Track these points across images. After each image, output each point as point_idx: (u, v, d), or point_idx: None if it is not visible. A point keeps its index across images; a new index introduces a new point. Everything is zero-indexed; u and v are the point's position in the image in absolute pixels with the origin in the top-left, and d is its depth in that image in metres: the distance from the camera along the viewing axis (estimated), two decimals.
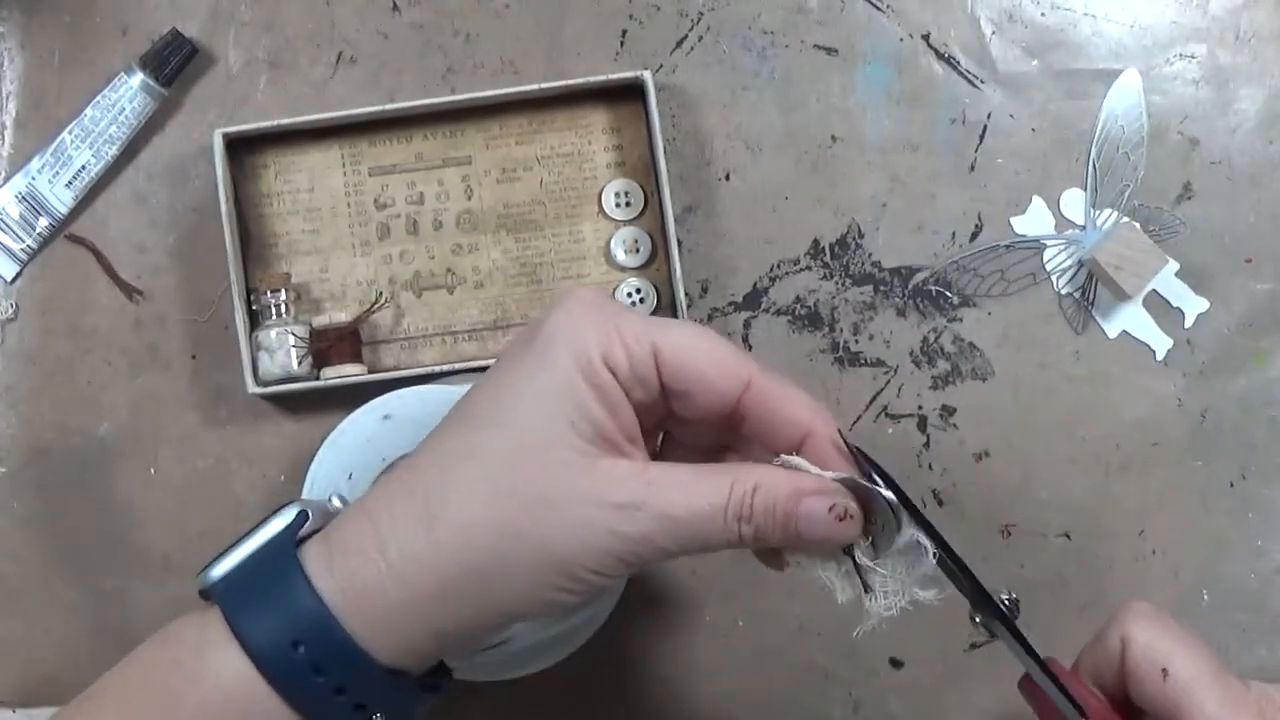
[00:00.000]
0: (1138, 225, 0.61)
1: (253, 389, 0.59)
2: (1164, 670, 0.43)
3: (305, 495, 0.58)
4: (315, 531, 0.42)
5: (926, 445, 0.61)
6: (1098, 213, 0.61)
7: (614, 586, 0.60)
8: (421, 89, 0.62)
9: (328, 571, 0.40)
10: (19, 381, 0.62)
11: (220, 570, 0.41)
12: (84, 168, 0.61)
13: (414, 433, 0.57)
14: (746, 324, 0.62)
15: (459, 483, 0.40)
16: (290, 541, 0.41)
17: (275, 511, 0.43)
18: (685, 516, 0.40)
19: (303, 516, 0.42)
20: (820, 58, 0.62)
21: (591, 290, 0.42)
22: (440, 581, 0.40)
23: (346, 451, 0.57)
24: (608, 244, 0.62)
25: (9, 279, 0.62)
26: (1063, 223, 0.62)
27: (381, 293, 0.61)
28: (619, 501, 0.40)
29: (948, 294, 0.61)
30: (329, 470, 0.58)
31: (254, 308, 0.60)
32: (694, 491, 0.40)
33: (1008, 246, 0.61)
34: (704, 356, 0.41)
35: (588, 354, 0.40)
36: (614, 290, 0.61)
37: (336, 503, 0.45)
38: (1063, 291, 0.61)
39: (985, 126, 0.62)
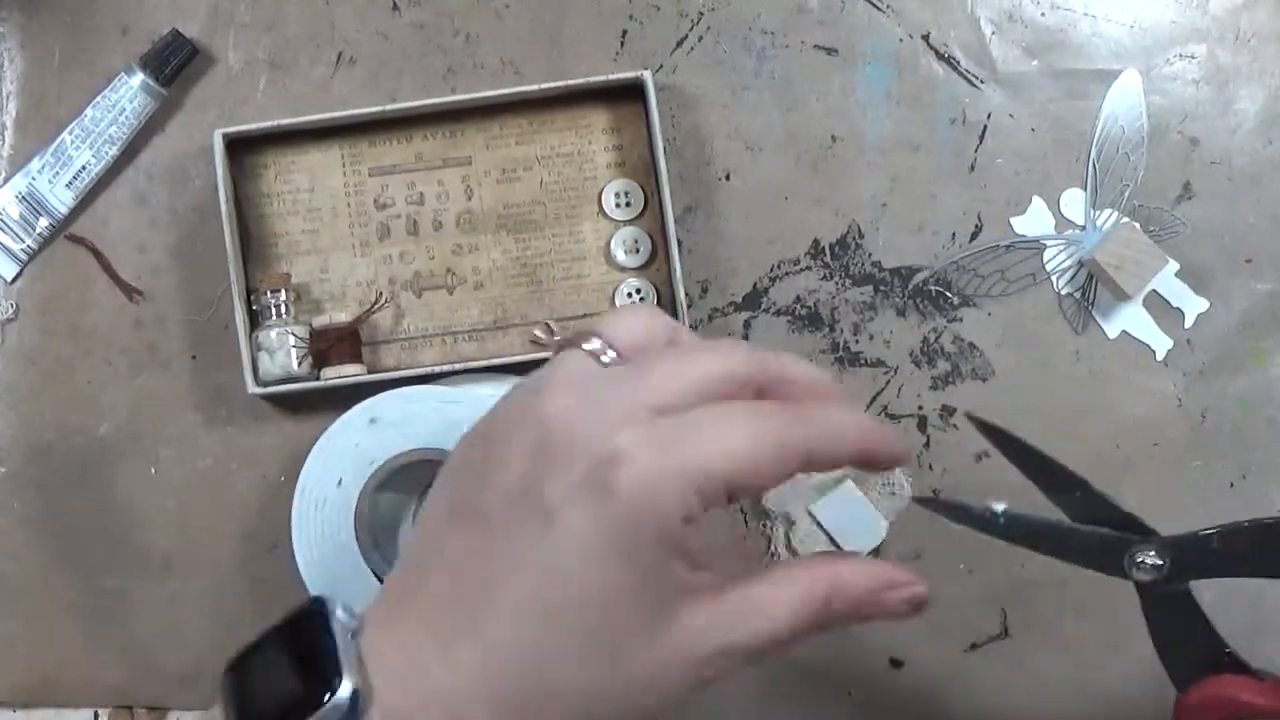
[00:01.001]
0: (1138, 225, 0.61)
1: (253, 389, 0.59)
2: None
3: (297, 500, 0.58)
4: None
5: (927, 445, 0.61)
6: (1098, 213, 0.61)
7: None
8: (422, 89, 0.62)
9: None
10: (19, 381, 0.62)
11: None
12: (84, 168, 0.61)
13: (400, 435, 0.57)
14: (746, 324, 0.62)
15: (552, 689, 0.38)
16: None
17: (313, 667, 0.38)
18: (768, 640, 0.39)
19: (357, 696, 0.37)
20: (820, 58, 0.62)
21: (649, 426, 0.38)
22: None
23: (334, 457, 0.57)
24: (608, 244, 0.62)
25: (9, 279, 0.62)
26: (1063, 223, 0.62)
27: (381, 293, 0.61)
28: (707, 654, 0.38)
29: (948, 294, 0.61)
30: (318, 476, 0.58)
31: (254, 308, 0.60)
32: (775, 618, 0.39)
33: (1008, 247, 0.61)
34: (767, 470, 0.39)
35: (672, 530, 0.37)
36: (614, 290, 0.61)
37: (342, 615, 0.39)
38: (1063, 291, 0.61)
39: (985, 126, 0.62)
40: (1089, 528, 0.48)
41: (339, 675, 0.37)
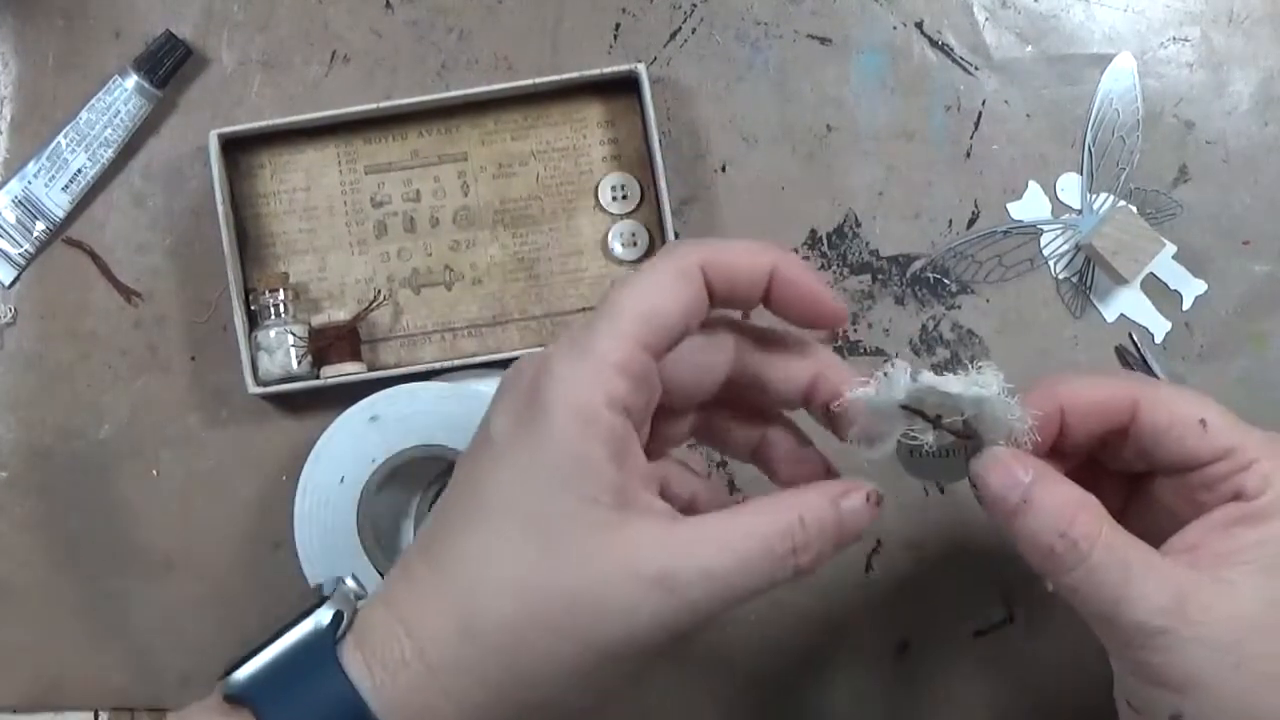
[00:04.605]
0: (1134, 209, 0.61)
1: (253, 389, 0.59)
2: (1202, 421, 0.42)
3: (298, 499, 0.58)
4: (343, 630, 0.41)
5: None
6: (1094, 197, 0.61)
7: None
8: (416, 86, 0.62)
9: (369, 682, 0.38)
10: (19, 386, 0.62)
11: (248, 672, 0.40)
12: (80, 171, 0.61)
13: (401, 432, 0.57)
14: (745, 314, 0.61)
15: (489, 587, 0.39)
16: (329, 644, 0.39)
17: (305, 612, 0.41)
18: (733, 569, 0.38)
19: (339, 617, 0.40)
20: (814, 47, 0.62)
21: (565, 336, 0.41)
22: (490, 691, 0.38)
23: (336, 455, 0.57)
24: (605, 237, 0.62)
25: (7, 284, 0.62)
26: (1059, 208, 0.62)
27: (380, 291, 0.61)
28: (655, 574, 0.38)
29: (946, 281, 0.62)
30: (320, 475, 0.58)
31: (253, 308, 0.60)
32: (739, 543, 0.39)
33: (1005, 233, 0.61)
34: (671, 300, 0.40)
35: (588, 405, 0.38)
36: (611, 284, 0.61)
37: (350, 583, 0.42)
38: (1060, 276, 0.61)
39: (980, 113, 0.62)
40: None
41: (324, 603, 0.41)
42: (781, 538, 0.39)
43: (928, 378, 0.41)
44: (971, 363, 0.42)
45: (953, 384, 0.40)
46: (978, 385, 0.40)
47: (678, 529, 0.39)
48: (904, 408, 0.41)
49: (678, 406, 0.44)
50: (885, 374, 0.41)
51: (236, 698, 0.40)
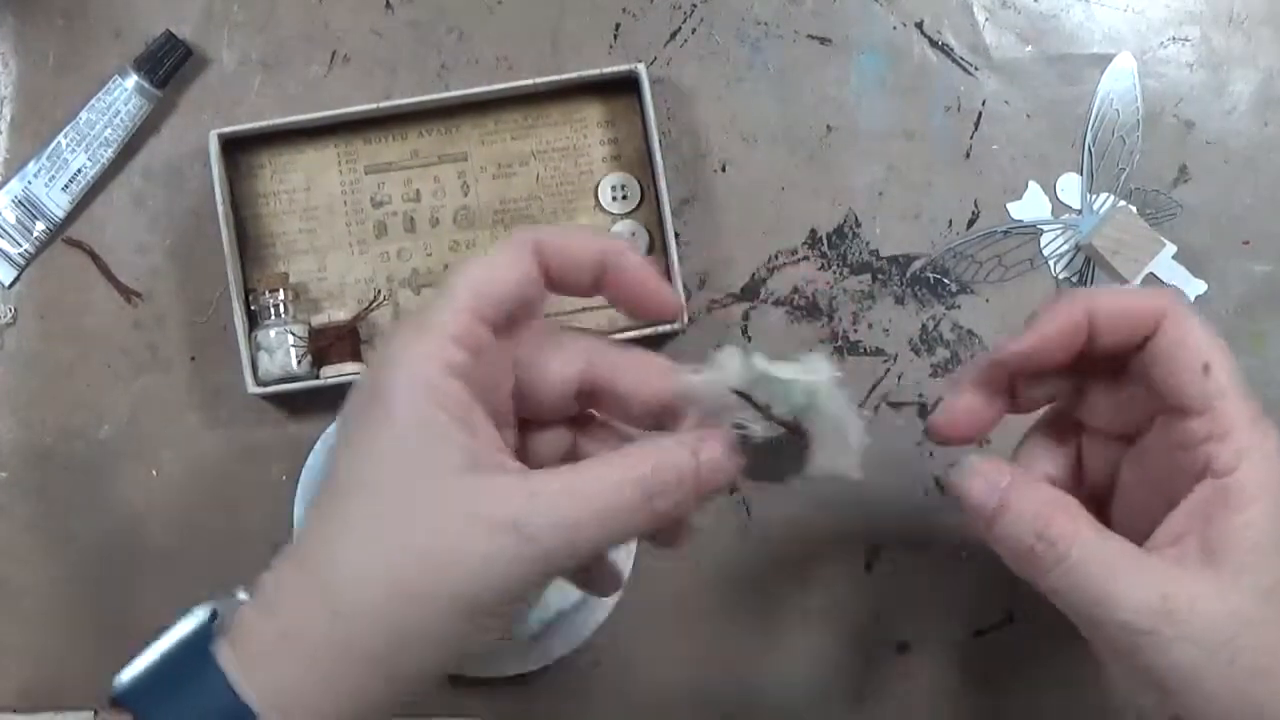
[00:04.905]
0: (1134, 209, 0.61)
1: (253, 389, 0.59)
2: (1206, 365, 0.42)
3: (299, 499, 0.58)
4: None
5: (928, 433, 0.61)
6: (1094, 197, 0.61)
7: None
8: (416, 86, 0.62)
9: (242, 676, 0.39)
10: (19, 386, 0.62)
11: (131, 674, 0.40)
12: (80, 171, 0.61)
13: None
14: (745, 315, 0.62)
15: (347, 560, 0.39)
16: (204, 642, 0.40)
17: (184, 612, 0.41)
18: (585, 514, 0.39)
19: (213, 615, 0.40)
20: (814, 48, 0.62)
21: (403, 320, 0.41)
22: (361, 664, 0.39)
23: None
24: None
25: (7, 284, 0.62)
26: (1059, 208, 0.62)
27: (379, 291, 0.61)
28: (508, 522, 0.38)
29: (945, 281, 0.62)
30: (320, 475, 0.57)
31: (253, 308, 0.60)
32: (591, 490, 0.39)
33: (1005, 232, 0.61)
34: (504, 273, 0.41)
35: (426, 376, 0.39)
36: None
37: (243, 595, 0.42)
38: (1060, 276, 0.61)
39: (980, 113, 0.62)
40: None
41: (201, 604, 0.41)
42: (633, 485, 0.39)
43: (761, 362, 0.40)
44: (830, 357, 0.41)
45: (785, 369, 0.40)
46: (810, 372, 0.40)
47: (529, 479, 0.39)
48: (736, 393, 0.40)
49: (539, 414, 0.44)
50: (716, 359, 0.41)
51: (119, 700, 0.40)
